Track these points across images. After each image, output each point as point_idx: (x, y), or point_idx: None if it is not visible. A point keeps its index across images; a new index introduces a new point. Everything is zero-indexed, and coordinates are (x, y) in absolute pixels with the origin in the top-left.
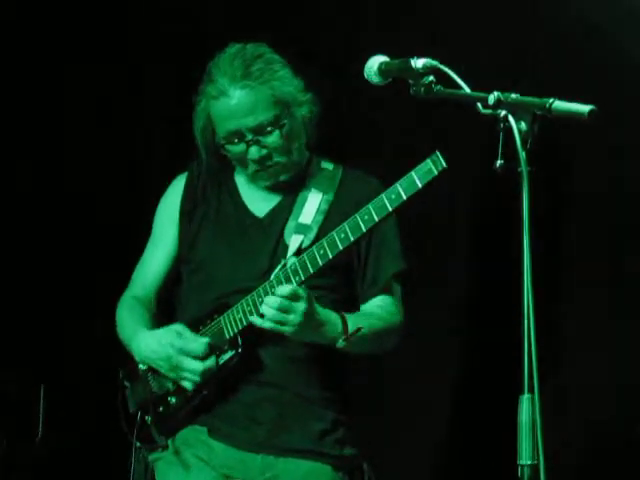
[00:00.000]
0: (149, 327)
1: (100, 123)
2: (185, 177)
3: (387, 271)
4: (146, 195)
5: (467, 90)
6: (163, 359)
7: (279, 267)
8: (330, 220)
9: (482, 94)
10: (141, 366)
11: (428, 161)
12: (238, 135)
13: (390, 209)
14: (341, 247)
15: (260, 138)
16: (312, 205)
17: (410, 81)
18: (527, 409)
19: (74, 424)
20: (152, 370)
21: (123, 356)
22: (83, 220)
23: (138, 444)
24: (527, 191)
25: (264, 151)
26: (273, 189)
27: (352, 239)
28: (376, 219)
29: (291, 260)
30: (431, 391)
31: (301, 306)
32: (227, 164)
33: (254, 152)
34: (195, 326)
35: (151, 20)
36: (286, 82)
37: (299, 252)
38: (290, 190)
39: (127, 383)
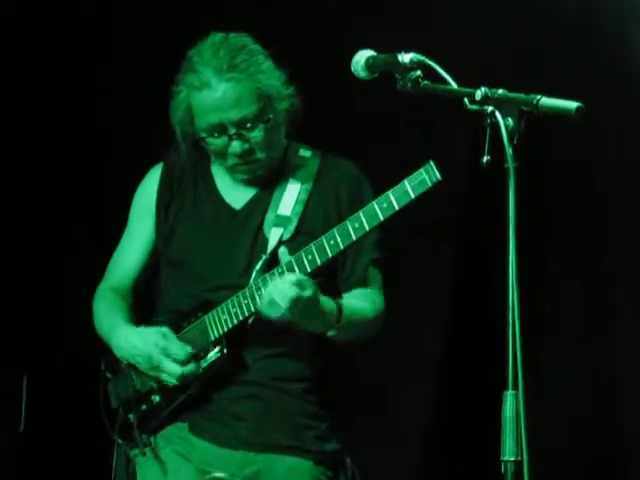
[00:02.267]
0: (128, 321)
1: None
2: (161, 167)
3: (365, 258)
4: (121, 184)
5: (454, 85)
6: (144, 357)
7: (259, 264)
8: (310, 210)
9: (469, 89)
10: (123, 360)
11: (422, 171)
12: (220, 128)
13: (382, 219)
14: (330, 254)
15: (243, 132)
16: (291, 195)
17: (397, 75)
18: (511, 405)
19: (56, 416)
20: (134, 367)
21: (104, 346)
22: (60, 209)
23: (120, 441)
24: (513, 187)
25: (246, 145)
26: (249, 180)
27: (342, 247)
28: (367, 228)
29: (284, 257)
30: (415, 386)
31: (307, 293)
32: (203, 154)
33: (236, 146)
34: (178, 322)
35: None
36: (270, 75)
37: (279, 245)
38: (268, 180)
39: (109, 374)
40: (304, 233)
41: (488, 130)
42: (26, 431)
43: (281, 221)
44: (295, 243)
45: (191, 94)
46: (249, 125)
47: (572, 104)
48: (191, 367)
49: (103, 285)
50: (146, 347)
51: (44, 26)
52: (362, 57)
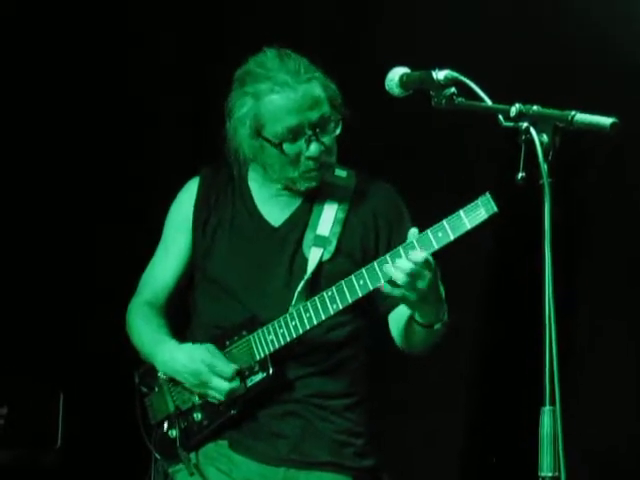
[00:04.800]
0: (172, 337)
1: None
2: (197, 182)
3: None
4: (156, 194)
5: (488, 102)
6: (192, 374)
7: (301, 284)
8: (347, 231)
9: (504, 106)
10: (161, 375)
11: (479, 203)
12: (297, 131)
13: (435, 247)
14: (382, 280)
15: (319, 134)
16: (329, 215)
17: (431, 93)
18: (548, 421)
19: (93, 433)
20: (173, 382)
21: (139, 362)
22: (98, 224)
23: (158, 456)
24: (549, 203)
25: (323, 148)
26: (288, 197)
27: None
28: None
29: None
30: (450, 401)
31: (429, 274)
32: (241, 171)
33: (315, 149)
34: (222, 339)
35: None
36: (330, 82)
37: (320, 266)
38: (305, 198)
39: (144, 389)
40: (343, 254)
41: (523, 146)
42: (63, 447)
43: (320, 241)
44: (335, 264)
45: (264, 102)
46: (324, 127)
47: (607, 120)
48: (236, 384)
49: (137, 299)
50: (193, 364)
51: (74, 22)
52: (396, 74)
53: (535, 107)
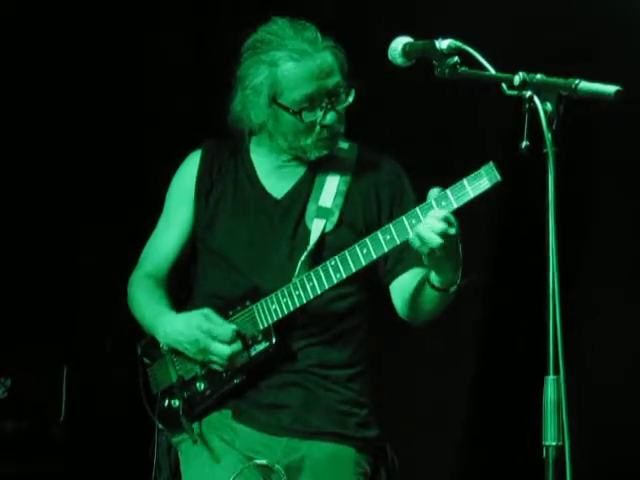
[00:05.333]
0: (171, 308)
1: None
2: (200, 153)
3: None
4: (154, 172)
5: (492, 71)
6: (191, 342)
7: (304, 255)
8: (350, 203)
9: (507, 75)
10: (163, 346)
11: (482, 172)
12: (314, 99)
13: None
14: (386, 249)
15: (334, 103)
16: (331, 187)
17: (434, 62)
18: (552, 390)
19: (96, 405)
20: (176, 352)
21: (141, 333)
22: (97, 202)
23: (161, 426)
24: (553, 172)
25: (337, 116)
26: (290, 168)
27: (397, 242)
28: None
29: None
30: (453, 372)
31: (453, 230)
32: (243, 143)
33: (331, 117)
34: (224, 309)
35: None
36: (340, 52)
37: (322, 237)
38: (307, 170)
39: (147, 360)
40: (345, 226)
41: (526, 115)
42: (67, 420)
43: (323, 213)
44: (337, 235)
45: (281, 69)
46: (339, 95)
47: (611, 88)
48: (238, 346)
49: (138, 271)
50: (190, 331)
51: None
52: (399, 44)
53: (539, 76)
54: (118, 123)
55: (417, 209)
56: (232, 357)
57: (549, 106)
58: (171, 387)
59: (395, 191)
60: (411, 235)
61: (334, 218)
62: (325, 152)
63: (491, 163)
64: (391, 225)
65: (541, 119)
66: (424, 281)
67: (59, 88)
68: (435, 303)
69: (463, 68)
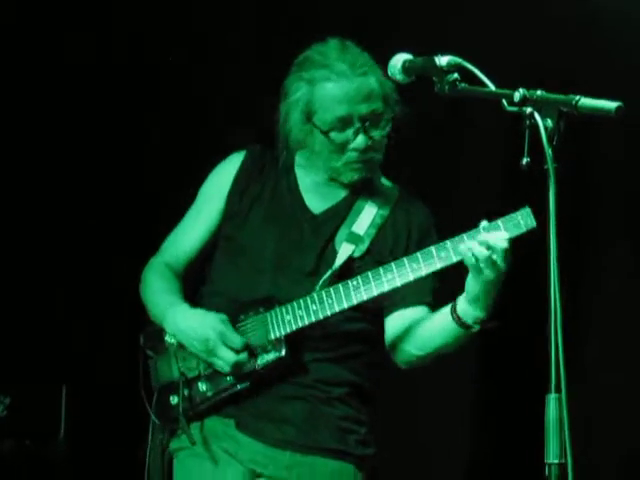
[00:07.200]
0: (185, 301)
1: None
2: (243, 154)
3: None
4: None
5: (492, 87)
6: (201, 341)
7: (328, 274)
8: (382, 236)
9: (507, 91)
10: (168, 339)
11: (517, 215)
12: (346, 121)
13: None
14: (412, 277)
15: (367, 128)
16: (367, 216)
17: (434, 78)
18: (554, 408)
19: (95, 423)
20: (180, 347)
21: (145, 356)
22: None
23: (156, 420)
24: (554, 188)
25: (369, 142)
26: (332, 188)
27: (423, 273)
28: (454, 259)
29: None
30: (453, 390)
31: (508, 256)
32: (288, 155)
33: (361, 141)
34: (236, 312)
35: None
36: (387, 79)
37: (348, 261)
38: (349, 194)
39: (149, 352)
40: (373, 256)
41: (527, 132)
42: (66, 438)
43: (353, 238)
44: (363, 263)
45: (318, 88)
46: (374, 121)
47: (612, 104)
48: (244, 357)
49: (157, 258)
50: (203, 329)
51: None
52: (399, 60)
53: (539, 92)
54: (126, 127)
55: (450, 240)
56: (236, 365)
57: (550, 122)
58: (172, 383)
59: (424, 235)
60: (438, 266)
61: (363, 246)
62: (357, 177)
63: (527, 208)
64: (419, 254)
65: (542, 135)
66: (446, 312)
67: (71, 91)
68: (454, 339)
69: (463, 84)
